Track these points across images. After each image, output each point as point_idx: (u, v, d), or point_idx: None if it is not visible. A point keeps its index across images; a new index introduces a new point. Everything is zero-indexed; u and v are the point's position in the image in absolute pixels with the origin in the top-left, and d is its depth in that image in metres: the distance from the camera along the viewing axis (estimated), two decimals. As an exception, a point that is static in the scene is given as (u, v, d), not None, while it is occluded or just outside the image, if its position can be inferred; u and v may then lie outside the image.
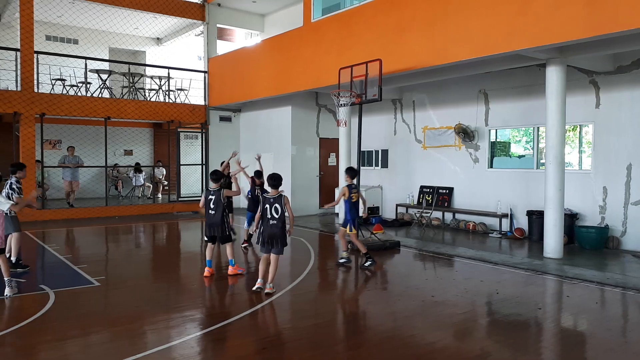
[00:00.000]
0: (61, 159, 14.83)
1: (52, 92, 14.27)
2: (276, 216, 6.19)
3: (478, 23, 8.40)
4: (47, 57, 14.68)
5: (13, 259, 7.29)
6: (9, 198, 6.97)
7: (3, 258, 6.17)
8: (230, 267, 7.29)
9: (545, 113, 8.56)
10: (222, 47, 17.10)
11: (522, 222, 10.66)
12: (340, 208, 9.04)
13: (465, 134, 11.68)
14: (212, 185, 7.16)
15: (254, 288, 6.34)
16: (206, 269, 7.19)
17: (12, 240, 7.34)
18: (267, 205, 6.24)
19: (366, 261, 7.86)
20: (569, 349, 4.72)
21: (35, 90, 13.45)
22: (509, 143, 11.92)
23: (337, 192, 13.37)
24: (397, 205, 13.29)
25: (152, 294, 6.59)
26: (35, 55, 13.38)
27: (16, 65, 13.37)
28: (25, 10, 13.14)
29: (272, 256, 6.29)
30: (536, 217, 10.03)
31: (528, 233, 10.38)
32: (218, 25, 16.64)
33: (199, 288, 6.82)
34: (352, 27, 10.95)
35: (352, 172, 8.02)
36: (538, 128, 10.78)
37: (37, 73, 13.74)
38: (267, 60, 13.84)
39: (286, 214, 6.27)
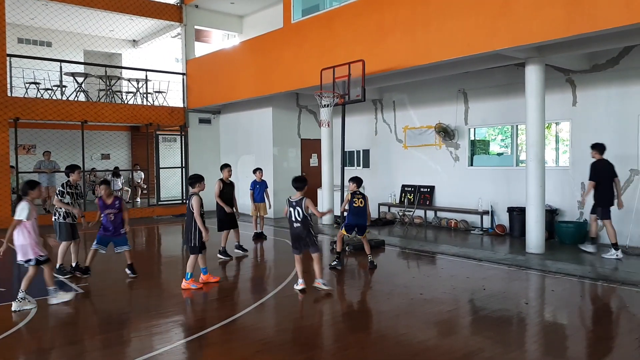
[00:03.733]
0: (37, 164, 14.48)
1: (26, 96, 13.93)
2: (299, 218, 6.31)
3: (460, 23, 8.51)
4: (20, 61, 14.32)
5: (73, 263, 7.55)
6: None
7: (47, 268, 5.96)
8: (202, 276, 7.01)
9: (525, 111, 8.72)
10: (200, 49, 16.94)
11: (503, 218, 10.83)
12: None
13: (446, 133, 11.82)
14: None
15: (298, 288, 6.44)
16: (201, 276, 7.05)
17: (65, 248, 7.54)
18: (291, 209, 6.37)
19: (334, 260, 7.96)
20: (558, 342, 4.80)
21: (9, 94, 13.11)
22: (489, 141, 12.11)
23: (320, 193, 13.37)
24: (379, 205, 13.36)
25: (136, 300, 6.48)
26: (7, 58, 13.04)
27: (-12, 69, 13.00)
28: (-4, 12, 12.80)
29: (313, 255, 6.49)
30: (517, 214, 10.20)
31: (509, 229, 10.54)
32: (196, 27, 16.49)
33: (183, 292, 6.73)
34: (333, 28, 10.97)
35: (358, 181, 8.00)
36: (517, 126, 10.98)
37: (10, 77, 13.39)
38: (247, 62, 13.76)
39: (311, 212, 6.33)
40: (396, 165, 13.30)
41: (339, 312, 5.97)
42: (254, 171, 10.63)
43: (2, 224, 11.65)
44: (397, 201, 13.02)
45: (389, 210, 13.21)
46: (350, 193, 7.91)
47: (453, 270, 7.69)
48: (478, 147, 11.94)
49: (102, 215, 7.39)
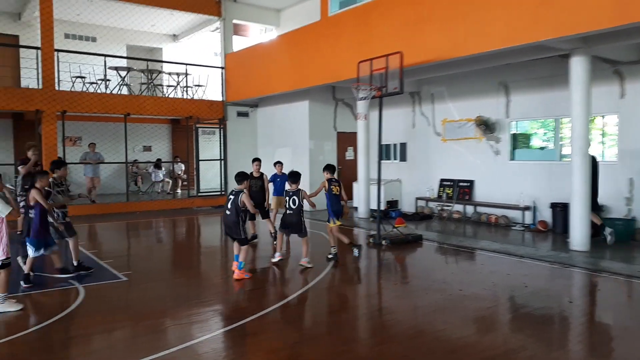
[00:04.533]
0: (82, 155, 15.00)
1: (72, 89, 14.40)
2: (293, 207, 7.44)
3: (500, 14, 8.28)
4: (67, 55, 14.81)
5: (75, 262, 7.06)
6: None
7: (4, 273, 5.44)
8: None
9: (570, 104, 8.43)
10: (238, 43, 17.11)
11: (545, 214, 10.54)
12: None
13: (486, 126, 11.56)
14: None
15: (275, 260, 7.68)
16: (234, 262, 7.18)
17: (76, 243, 7.12)
18: (287, 197, 7.53)
19: (354, 251, 8.19)
20: (603, 343, 4.66)
21: (56, 88, 13.59)
22: (531, 135, 11.78)
23: (356, 186, 13.34)
24: (416, 199, 13.23)
25: (177, 289, 6.64)
26: (55, 53, 13.52)
27: (37, 64, 13.53)
28: (45, 8, 13.27)
29: (302, 239, 7.55)
30: (560, 210, 9.90)
31: (552, 225, 10.25)
32: (234, 21, 16.65)
33: (223, 282, 6.86)
34: (370, 20, 10.88)
35: (331, 168, 8.30)
36: (560, 120, 10.63)
37: (58, 71, 13.88)
38: (284, 55, 13.82)
39: (306, 203, 7.52)
40: (434, 159, 13.11)
41: (376, 307, 5.96)
42: (275, 164, 10.44)
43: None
44: (435, 195, 12.85)
45: (426, 205, 13.05)
46: (327, 180, 8.06)
47: (493, 266, 7.55)
48: (520, 141, 11.63)
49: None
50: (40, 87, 13.26)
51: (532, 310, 5.48)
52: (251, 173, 9.20)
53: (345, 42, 11.56)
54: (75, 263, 7.06)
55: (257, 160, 9.68)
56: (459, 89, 12.44)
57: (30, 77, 14.24)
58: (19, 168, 9.30)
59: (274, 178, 10.30)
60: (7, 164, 14.72)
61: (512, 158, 11.44)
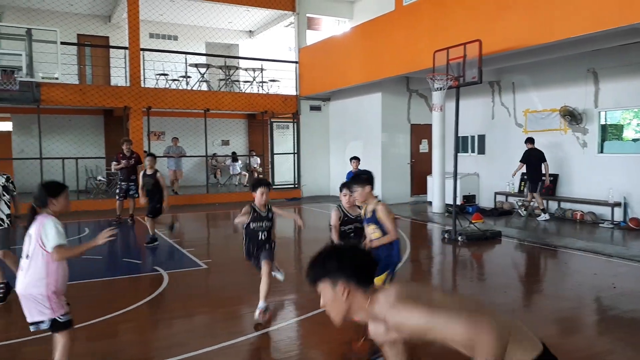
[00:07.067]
0: (166, 149, 15.85)
1: (156, 86, 15.23)
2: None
3: (589, -5, 7.73)
4: (151, 54, 15.67)
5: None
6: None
7: None
8: None
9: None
10: (311, 37, 17.27)
11: (637, 211, 9.76)
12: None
13: (572, 116, 10.88)
14: None
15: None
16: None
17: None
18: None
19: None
20: None
21: (142, 85, 14.43)
22: (622, 126, 10.94)
23: (430, 180, 13.07)
24: (495, 193, 12.73)
25: (253, 278, 6.82)
26: (141, 52, 14.35)
27: (125, 63, 14.43)
28: (132, 10, 14.11)
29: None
30: (656, 206, 9.14)
31: (645, 223, 9.48)
32: (308, 15, 16.81)
33: (297, 273, 6.99)
34: (447, 7, 10.56)
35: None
36: (658, 108, 9.79)
37: (143, 69, 14.73)
38: (358, 47, 13.76)
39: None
40: (515, 152, 12.48)
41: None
42: (351, 160, 9.95)
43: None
44: (516, 190, 12.29)
45: (506, 200, 12.53)
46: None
47: (578, 265, 7.12)
48: (610, 133, 10.84)
49: None
50: (128, 84, 14.14)
51: (621, 313, 5.11)
52: None
53: (420, 31, 11.31)
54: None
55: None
56: (543, 78, 11.78)
57: (119, 76, 15.22)
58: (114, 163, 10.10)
59: (349, 177, 9.36)
60: (98, 157, 15.87)
61: (601, 151, 10.68)
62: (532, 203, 11.04)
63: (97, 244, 3.35)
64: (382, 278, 4.05)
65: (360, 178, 4.21)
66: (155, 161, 8.82)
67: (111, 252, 8.29)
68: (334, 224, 4.64)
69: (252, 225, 5.05)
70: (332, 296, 1.82)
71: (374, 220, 4.12)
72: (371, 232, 4.18)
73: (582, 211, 10.64)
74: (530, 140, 10.97)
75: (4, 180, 5.64)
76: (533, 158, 10.78)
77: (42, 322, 3.32)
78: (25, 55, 11.66)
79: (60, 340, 3.39)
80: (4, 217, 5.59)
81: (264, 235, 5.06)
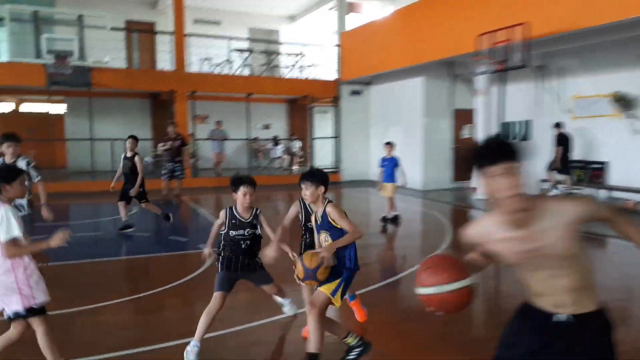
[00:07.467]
0: (210, 132, 16.19)
1: (200, 71, 15.53)
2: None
3: (648, -26, 7.36)
4: (196, 39, 15.95)
5: None
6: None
7: None
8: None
9: None
10: (352, 21, 17.13)
11: (694, 201, 9.33)
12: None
13: (625, 102, 10.44)
14: None
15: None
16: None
17: None
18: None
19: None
20: None
21: (187, 70, 14.75)
22: (680, 111, 10.42)
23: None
24: (541, 181, 12.39)
25: (286, 264, 6.97)
26: (185, 37, 14.63)
27: (170, 48, 14.76)
28: (177, -4, 14.39)
29: None
30: None
31: (701, 214, 9.06)
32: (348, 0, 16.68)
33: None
34: (493, -11, 10.27)
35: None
36: None
37: (188, 54, 15.03)
38: (399, 31, 13.58)
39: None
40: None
41: (492, 289, 5.77)
42: (385, 145, 9.08)
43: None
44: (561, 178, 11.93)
45: (551, 188, 12.18)
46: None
47: (627, 256, 6.88)
48: (665, 119, 10.35)
49: None
50: (174, 69, 14.47)
51: (673, 306, 4.96)
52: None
53: (464, 14, 11.05)
54: None
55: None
56: (593, 62, 11.32)
57: (164, 60, 15.58)
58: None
59: (382, 162, 9.03)
60: (146, 138, 16.37)
61: (655, 137, 10.23)
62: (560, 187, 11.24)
63: (49, 245, 3.02)
64: (332, 287, 3.55)
65: (316, 176, 3.69)
66: (137, 144, 8.25)
67: (158, 231, 8.61)
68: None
69: (231, 233, 4.15)
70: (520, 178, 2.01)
71: (326, 225, 3.57)
72: (323, 241, 3.63)
73: (634, 200, 10.23)
74: (560, 125, 11.24)
75: (24, 164, 5.16)
76: (564, 141, 11.06)
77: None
78: (77, 40, 12.12)
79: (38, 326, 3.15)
80: (24, 204, 5.13)
81: (247, 244, 4.21)
